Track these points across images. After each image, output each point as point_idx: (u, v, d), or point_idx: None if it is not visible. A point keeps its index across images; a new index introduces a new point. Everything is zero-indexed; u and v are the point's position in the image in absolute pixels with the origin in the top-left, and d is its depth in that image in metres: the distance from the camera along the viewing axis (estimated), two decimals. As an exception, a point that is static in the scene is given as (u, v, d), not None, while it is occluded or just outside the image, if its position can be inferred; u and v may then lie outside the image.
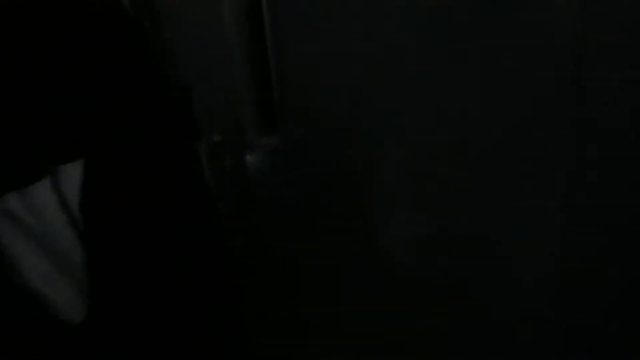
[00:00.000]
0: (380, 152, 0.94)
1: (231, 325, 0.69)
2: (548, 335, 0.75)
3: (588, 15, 0.62)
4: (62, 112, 0.50)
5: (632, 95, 0.62)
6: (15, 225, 0.49)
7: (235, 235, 1.29)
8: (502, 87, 0.73)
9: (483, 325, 0.83)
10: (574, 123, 0.67)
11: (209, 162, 1.20)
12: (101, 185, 0.51)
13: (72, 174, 0.50)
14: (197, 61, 1.23)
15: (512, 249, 0.78)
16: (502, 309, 0.81)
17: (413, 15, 0.79)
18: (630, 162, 0.64)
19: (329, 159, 1.02)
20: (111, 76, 0.53)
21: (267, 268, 1.28)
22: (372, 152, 0.95)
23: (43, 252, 0.50)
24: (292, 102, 1.05)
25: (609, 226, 0.68)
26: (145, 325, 0.57)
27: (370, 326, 0.97)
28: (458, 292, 0.86)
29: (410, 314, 0.91)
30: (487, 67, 0.74)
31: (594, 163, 0.68)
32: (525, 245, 0.76)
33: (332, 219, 1.06)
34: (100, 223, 0.53)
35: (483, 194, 0.79)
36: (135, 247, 0.55)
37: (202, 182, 0.70)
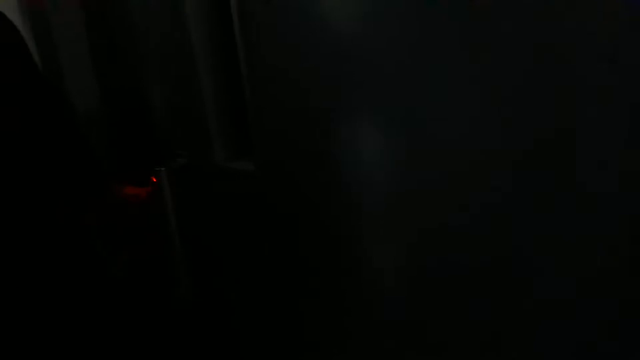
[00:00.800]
0: (364, 176, 0.84)
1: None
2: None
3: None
4: None
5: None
6: None
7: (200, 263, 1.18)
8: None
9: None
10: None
11: (171, 187, 1.06)
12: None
13: None
14: (160, 75, 1.09)
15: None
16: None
17: (401, 22, 0.70)
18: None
19: (306, 185, 0.91)
20: None
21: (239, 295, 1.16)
22: (355, 178, 0.84)
23: None
24: (267, 122, 0.92)
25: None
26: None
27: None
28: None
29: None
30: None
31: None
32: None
33: (312, 251, 0.95)
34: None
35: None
36: None
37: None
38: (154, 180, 1.04)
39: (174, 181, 1.02)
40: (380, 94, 0.76)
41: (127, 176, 1.08)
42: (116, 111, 1.18)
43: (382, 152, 0.81)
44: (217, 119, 1.01)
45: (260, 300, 1.05)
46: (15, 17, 1.33)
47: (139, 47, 1.09)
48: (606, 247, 0.64)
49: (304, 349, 1.00)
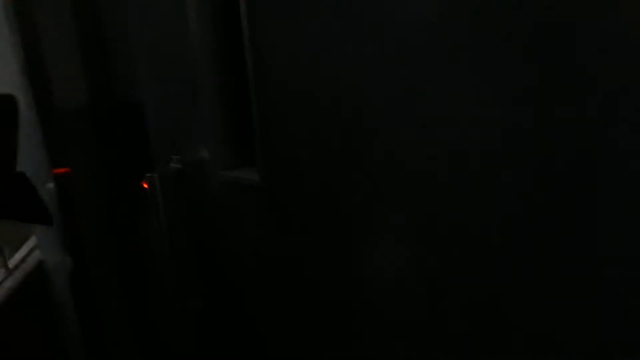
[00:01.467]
0: (376, 202, 0.82)
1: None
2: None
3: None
4: None
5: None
6: None
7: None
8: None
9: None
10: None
11: (163, 192, 1.01)
12: None
13: None
14: (157, 76, 1.05)
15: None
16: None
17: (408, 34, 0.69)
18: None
19: (312, 199, 0.88)
20: None
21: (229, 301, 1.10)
22: (368, 203, 0.82)
23: None
24: (272, 131, 0.89)
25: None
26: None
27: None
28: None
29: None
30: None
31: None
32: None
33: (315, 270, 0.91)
34: None
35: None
36: None
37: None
38: (145, 186, 0.99)
39: (167, 187, 0.97)
40: (394, 102, 0.75)
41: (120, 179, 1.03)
42: (107, 113, 1.13)
43: (392, 160, 0.79)
44: (217, 127, 0.98)
45: (264, 307, 1.01)
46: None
47: (135, 46, 1.05)
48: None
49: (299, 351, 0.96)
